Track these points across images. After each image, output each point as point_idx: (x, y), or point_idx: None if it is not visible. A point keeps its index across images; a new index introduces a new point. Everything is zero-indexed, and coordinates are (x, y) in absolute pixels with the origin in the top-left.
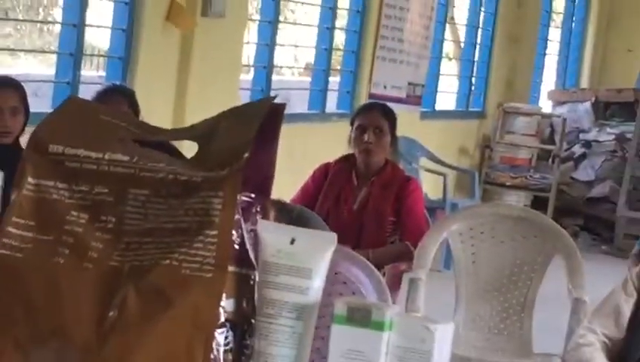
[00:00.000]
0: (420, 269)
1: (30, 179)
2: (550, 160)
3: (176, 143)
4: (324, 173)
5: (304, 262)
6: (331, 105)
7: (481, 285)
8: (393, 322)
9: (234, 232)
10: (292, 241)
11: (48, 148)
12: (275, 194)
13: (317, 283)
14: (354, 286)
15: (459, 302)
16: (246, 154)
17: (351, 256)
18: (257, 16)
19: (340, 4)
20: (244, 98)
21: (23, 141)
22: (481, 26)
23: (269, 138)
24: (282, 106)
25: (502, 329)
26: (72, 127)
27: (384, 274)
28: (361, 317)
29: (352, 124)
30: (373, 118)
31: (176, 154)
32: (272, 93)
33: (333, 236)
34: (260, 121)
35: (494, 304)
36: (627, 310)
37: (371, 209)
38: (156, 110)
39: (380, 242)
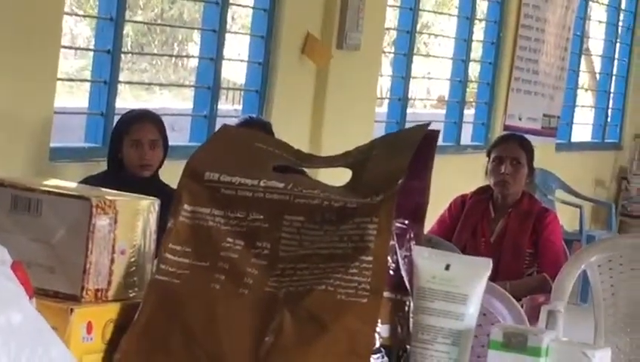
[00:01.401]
0: (559, 301)
1: (186, 206)
2: None
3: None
4: (460, 204)
5: (459, 287)
6: (466, 137)
7: (620, 317)
8: (550, 348)
9: (389, 258)
10: (447, 267)
11: (204, 175)
12: None
13: (472, 309)
14: (493, 318)
15: (598, 334)
16: (401, 181)
17: (490, 287)
18: (391, 49)
19: (474, 37)
20: (378, 130)
21: (162, 174)
22: (616, 57)
23: (423, 164)
24: (436, 133)
25: None
26: (227, 155)
27: (522, 306)
28: (518, 343)
29: (488, 155)
30: (511, 149)
31: None
32: (408, 125)
33: (488, 262)
34: (415, 148)
35: (634, 337)
36: None
37: (509, 241)
38: (292, 142)
39: (518, 274)
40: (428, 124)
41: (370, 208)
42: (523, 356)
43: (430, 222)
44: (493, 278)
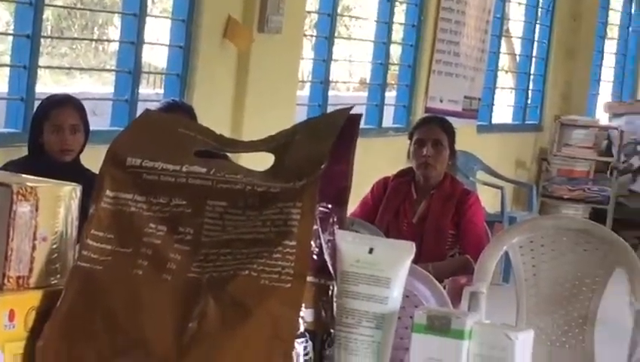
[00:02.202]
0: (481, 282)
1: (108, 192)
2: (608, 172)
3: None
4: (383, 187)
5: (383, 271)
6: (388, 119)
7: (542, 298)
8: (473, 330)
9: (312, 243)
10: (370, 251)
11: (126, 161)
12: None
13: (396, 293)
14: (416, 300)
15: (519, 315)
16: (323, 165)
17: (412, 268)
18: (313, 32)
19: (395, 19)
20: (300, 113)
21: (83, 159)
22: (536, 39)
23: (346, 148)
24: (359, 117)
25: (563, 342)
26: (150, 140)
27: (444, 288)
28: (441, 326)
29: (410, 137)
30: (433, 131)
31: None
32: (330, 109)
33: (411, 245)
34: (337, 132)
35: (556, 317)
36: None
37: (431, 222)
38: (214, 126)
39: (440, 255)
40: (350, 108)
41: (293, 193)
42: (446, 338)
43: (353, 204)
44: (415, 260)
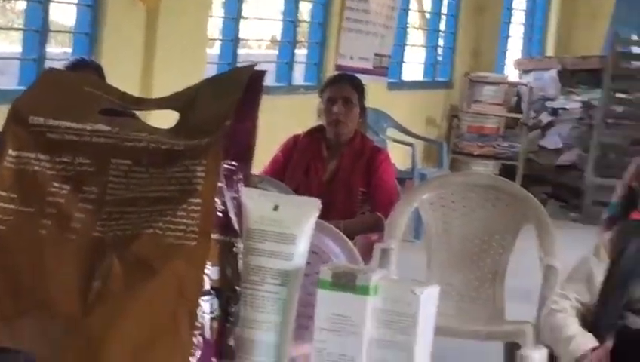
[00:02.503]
0: (392, 239)
1: (11, 151)
2: (518, 128)
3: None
4: (293, 144)
5: (288, 228)
6: (298, 77)
7: (453, 254)
8: (378, 286)
9: (217, 200)
10: (275, 208)
11: (29, 119)
12: None
13: (301, 249)
14: (325, 256)
15: (431, 271)
16: (228, 122)
17: (322, 226)
18: None
19: None
20: (211, 72)
21: None
22: None
23: (250, 106)
24: (262, 73)
25: (474, 297)
26: (53, 99)
27: (355, 245)
28: (346, 282)
29: (320, 95)
30: (343, 89)
31: None
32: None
33: (317, 201)
34: (242, 89)
35: (466, 272)
36: (599, 276)
37: (341, 180)
38: (123, 85)
39: (351, 213)
40: (254, 65)
41: (197, 150)
42: (351, 294)
43: (263, 163)
44: (326, 218)
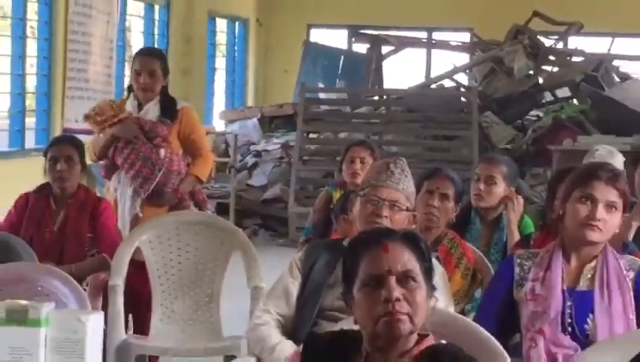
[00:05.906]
0: (117, 276)
1: None
2: (227, 171)
3: None
4: (24, 202)
5: None
6: (30, 141)
7: (172, 283)
8: (49, 318)
9: None
10: None
11: None
12: None
13: None
14: (55, 297)
15: (155, 300)
16: None
17: (52, 271)
18: None
19: (29, 53)
20: None
21: None
22: None
23: None
24: None
25: (194, 319)
26: None
27: (87, 285)
28: (19, 317)
29: (45, 155)
30: (63, 149)
31: None
32: None
33: None
34: None
35: (186, 299)
36: (294, 290)
37: (70, 228)
38: None
39: (81, 257)
40: None
41: None
42: (24, 328)
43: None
44: (60, 262)
